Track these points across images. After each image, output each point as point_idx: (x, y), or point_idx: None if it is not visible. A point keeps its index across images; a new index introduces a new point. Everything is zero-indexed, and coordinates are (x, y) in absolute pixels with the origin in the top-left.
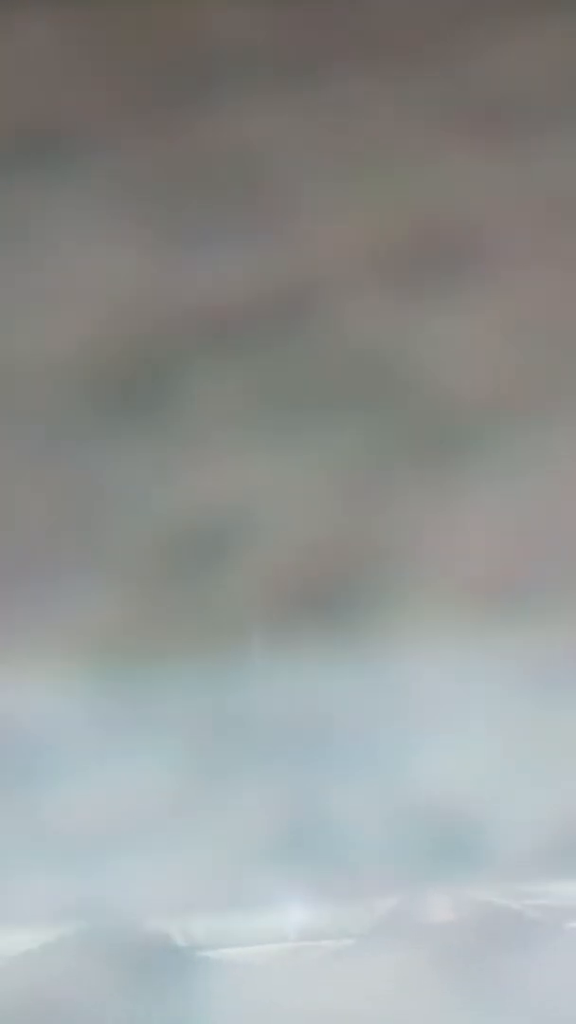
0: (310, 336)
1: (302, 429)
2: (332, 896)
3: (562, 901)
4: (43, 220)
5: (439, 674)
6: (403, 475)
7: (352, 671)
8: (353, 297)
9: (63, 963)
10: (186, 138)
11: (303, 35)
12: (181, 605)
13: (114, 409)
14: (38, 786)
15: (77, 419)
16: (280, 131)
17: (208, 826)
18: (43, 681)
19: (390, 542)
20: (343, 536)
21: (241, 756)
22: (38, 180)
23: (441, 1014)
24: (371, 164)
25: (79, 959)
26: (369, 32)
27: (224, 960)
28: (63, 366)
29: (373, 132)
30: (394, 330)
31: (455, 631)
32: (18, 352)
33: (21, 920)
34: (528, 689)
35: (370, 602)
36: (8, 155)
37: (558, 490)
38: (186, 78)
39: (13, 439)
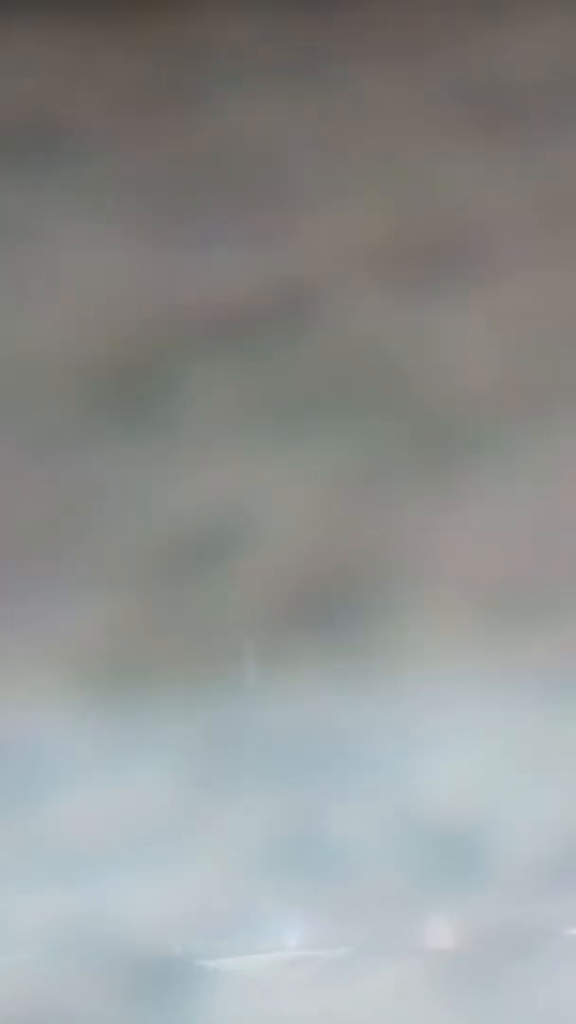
0: (310, 337)
1: (302, 431)
2: (331, 908)
3: (563, 912)
4: (43, 220)
5: (440, 682)
6: (404, 477)
7: (352, 681)
8: (353, 297)
9: (62, 974)
10: (186, 138)
11: (304, 36)
12: (179, 614)
13: (112, 411)
14: (36, 800)
15: (75, 421)
16: (280, 132)
17: (207, 839)
18: (39, 695)
19: (391, 545)
20: (343, 539)
21: (240, 768)
22: (38, 180)
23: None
24: (372, 165)
25: (78, 970)
26: (370, 34)
27: (222, 971)
28: (61, 367)
29: (374, 133)
30: (394, 330)
31: (457, 637)
32: (17, 352)
33: (20, 932)
34: (529, 700)
35: (371, 608)
36: (7, 155)
37: (560, 491)
38: (186, 78)
39: (10, 440)
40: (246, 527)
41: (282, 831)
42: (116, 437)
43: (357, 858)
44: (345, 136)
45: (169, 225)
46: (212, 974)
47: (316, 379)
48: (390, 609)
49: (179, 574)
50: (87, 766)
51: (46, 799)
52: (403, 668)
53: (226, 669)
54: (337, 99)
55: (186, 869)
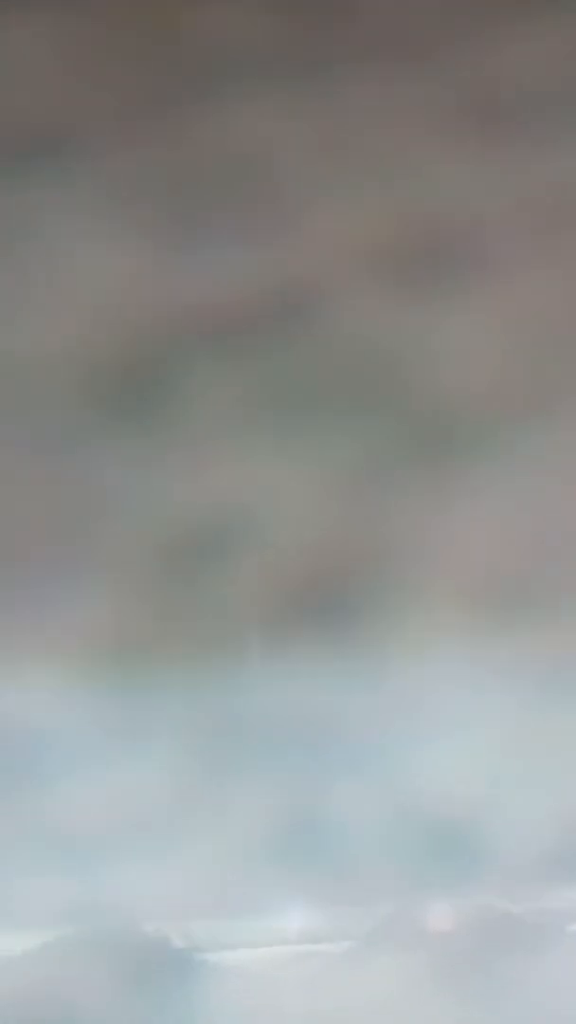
0: (310, 337)
1: (302, 430)
2: (332, 900)
3: (564, 905)
4: (42, 220)
5: (439, 677)
6: (404, 476)
7: (352, 674)
8: (353, 298)
9: (63, 965)
10: (186, 139)
11: (303, 37)
12: (180, 607)
13: (112, 411)
14: (38, 788)
15: (75, 421)
16: (280, 132)
17: (208, 829)
18: (41, 683)
19: (391, 544)
20: (343, 538)
21: (241, 758)
22: (37, 180)
23: (441, 1018)
24: (372, 165)
25: (79, 961)
26: (369, 34)
27: (224, 963)
28: (62, 367)
29: (373, 133)
30: (394, 331)
31: (456, 633)
32: (16, 353)
33: (21, 922)
34: (529, 693)
35: (370, 604)
36: (7, 155)
37: (560, 490)
38: (186, 79)
39: (10, 440)
40: (247, 524)
41: (285, 822)
42: (117, 436)
43: (360, 849)
44: (345, 136)
45: (169, 225)
46: (214, 965)
47: (316, 379)
48: (390, 604)
49: (181, 570)
50: (89, 756)
51: (48, 788)
52: (404, 661)
53: (228, 661)
54: (337, 99)
55: (188, 860)
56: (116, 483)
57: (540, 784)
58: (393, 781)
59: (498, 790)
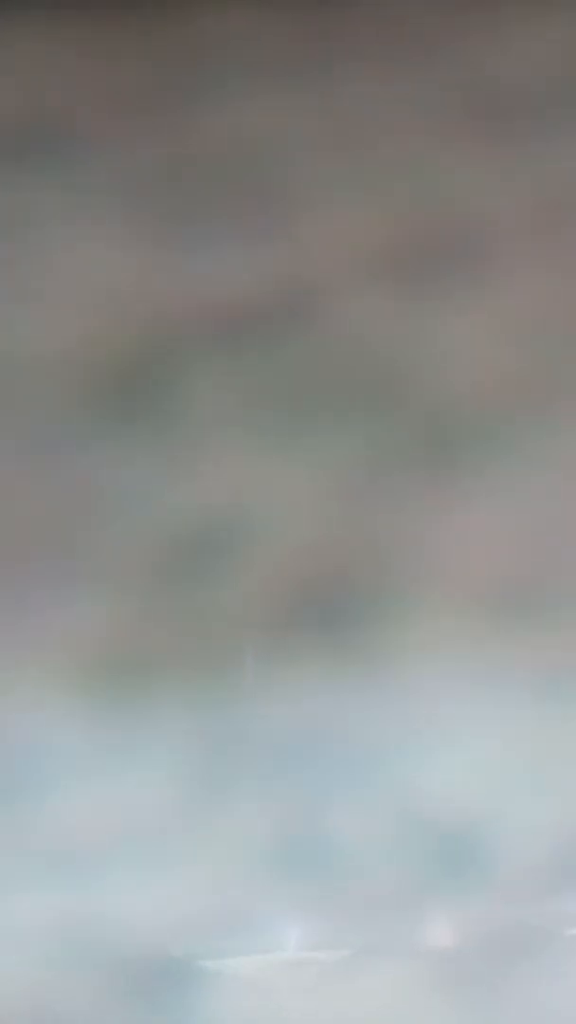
0: (311, 337)
1: (302, 431)
2: (331, 910)
3: (565, 913)
4: (43, 220)
5: (441, 682)
6: (404, 477)
7: (352, 681)
8: (354, 297)
9: (61, 975)
10: (186, 138)
11: (303, 35)
12: (179, 610)
13: (112, 411)
14: (34, 800)
15: (74, 421)
16: (281, 131)
17: (207, 839)
18: (36, 692)
19: (391, 546)
20: (343, 540)
21: (240, 768)
22: (37, 180)
23: None
24: (372, 164)
25: (76, 972)
26: (370, 33)
27: (222, 974)
28: (61, 367)
29: (374, 132)
30: (394, 331)
31: (457, 637)
32: (16, 352)
33: (17, 933)
34: (531, 699)
35: (370, 608)
36: (7, 154)
37: (561, 491)
38: (186, 78)
39: (10, 440)
40: (247, 526)
41: (283, 831)
42: (116, 436)
43: (358, 858)
44: (345, 136)
45: (169, 225)
46: (212, 975)
47: (316, 379)
48: (390, 608)
49: (179, 573)
50: (86, 766)
51: (45, 799)
52: (404, 667)
53: (227, 668)
54: (337, 99)
55: (186, 870)
56: (115, 484)
57: (541, 792)
58: (392, 788)
59: (499, 798)
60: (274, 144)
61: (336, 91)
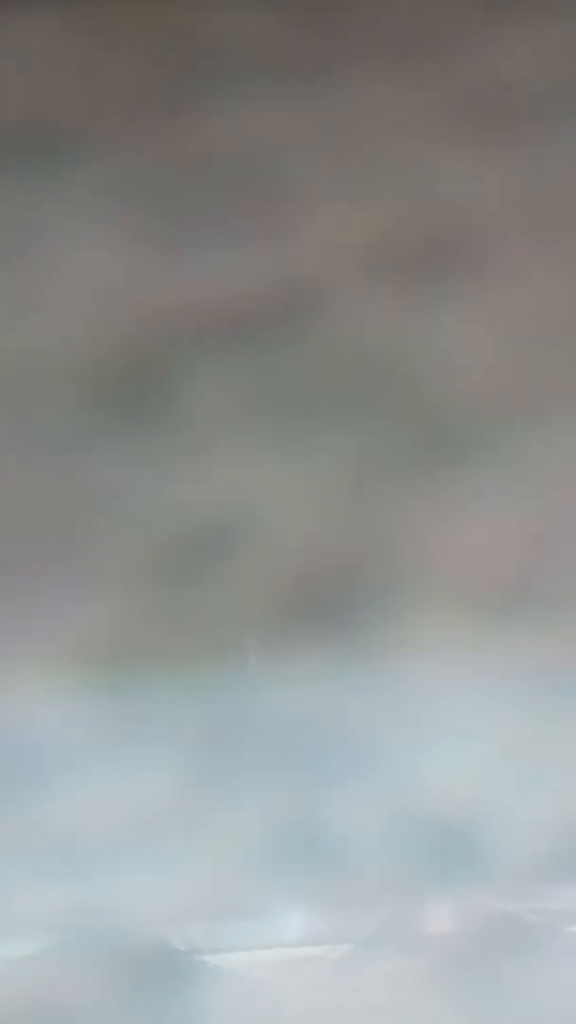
0: (310, 337)
1: (302, 431)
2: (331, 902)
3: (562, 906)
4: (43, 220)
5: (440, 678)
6: (403, 477)
7: (352, 676)
8: (354, 298)
9: (64, 968)
10: (186, 138)
11: (304, 37)
12: (180, 608)
13: (113, 411)
14: (38, 793)
15: (75, 421)
16: (281, 132)
17: (208, 832)
18: (41, 687)
19: (390, 545)
20: (343, 539)
21: (241, 762)
22: (37, 180)
23: (440, 1019)
24: (373, 165)
25: (79, 964)
26: (370, 34)
27: (223, 965)
28: (62, 367)
29: (375, 134)
30: (394, 331)
31: (455, 634)
32: (17, 353)
33: (21, 925)
34: (528, 694)
35: (369, 605)
36: (7, 155)
37: (559, 490)
38: (187, 78)
39: (11, 440)
40: (247, 525)
41: (284, 825)
42: (117, 436)
43: (358, 852)
44: (345, 136)
45: (169, 225)
46: (213, 968)
47: (316, 379)
48: (390, 606)
49: (181, 571)
50: (88, 760)
51: (47, 793)
52: (403, 663)
53: (228, 664)
54: (337, 100)
55: (187, 863)
56: (116, 484)
57: (539, 786)
58: (392, 783)
59: (497, 793)
60: (274, 144)
61: (336, 92)
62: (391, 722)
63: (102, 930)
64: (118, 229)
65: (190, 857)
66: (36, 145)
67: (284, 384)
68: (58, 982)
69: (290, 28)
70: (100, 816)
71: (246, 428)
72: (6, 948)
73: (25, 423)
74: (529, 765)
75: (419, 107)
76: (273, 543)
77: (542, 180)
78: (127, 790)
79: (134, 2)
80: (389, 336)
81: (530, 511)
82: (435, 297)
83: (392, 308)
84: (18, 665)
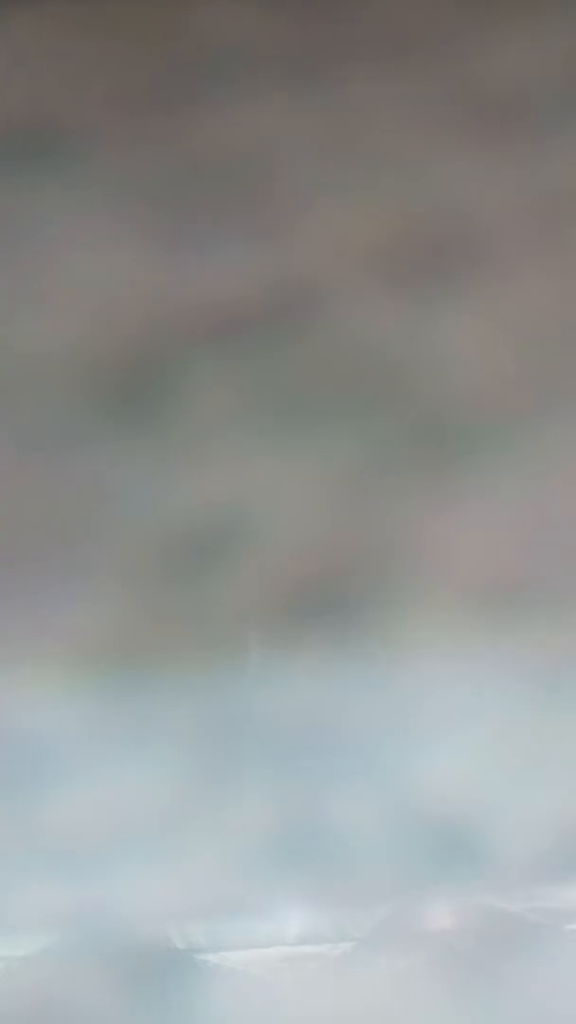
0: (310, 337)
1: (302, 430)
2: (332, 900)
3: (564, 904)
4: (42, 220)
5: (439, 677)
6: (404, 476)
7: (352, 675)
8: (353, 297)
9: (62, 967)
10: (187, 138)
11: (303, 35)
12: (180, 608)
13: (112, 411)
14: (36, 791)
15: (74, 421)
16: (281, 131)
17: (207, 830)
18: (39, 686)
19: (391, 544)
20: (343, 538)
21: (240, 760)
22: (37, 180)
23: (440, 1019)
24: (372, 164)
25: (78, 963)
26: (370, 33)
27: (223, 964)
28: (61, 367)
29: (374, 132)
30: (394, 331)
31: (456, 634)
32: (16, 352)
33: (20, 925)
34: (529, 693)
35: (370, 605)
36: (7, 154)
37: (559, 491)
38: (186, 78)
39: (9, 439)
40: (247, 524)
41: (284, 824)
42: (117, 435)
43: (359, 850)
44: (345, 136)
45: (169, 225)
46: (213, 967)
47: (316, 378)
48: (390, 604)
49: (181, 570)
50: (87, 759)
51: (46, 791)
52: (404, 662)
53: (227, 663)
54: (337, 99)
55: (187, 862)
56: (115, 483)
57: (539, 784)
58: (392, 781)
59: (497, 791)
60: (274, 144)
61: (336, 91)
62: (392, 721)
63: (102, 929)
64: (117, 228)
65: (190, 855)
66: (34, 143)
67: (284, 383)
68: (57, 981)
69: (291, 27)
70: (100, 815)
71: (246, 427)
72: (5, 947)
73: (23, 422)
74: (530, 763)
75: (419, 106)
76: (273, 542)
77: (543, 180)
78: (126, 789)
79: (135, 2)
80: (389, 336)
81: (530, 511)
82: (435, 297)
83: (392, 308)
84: (17, 664)
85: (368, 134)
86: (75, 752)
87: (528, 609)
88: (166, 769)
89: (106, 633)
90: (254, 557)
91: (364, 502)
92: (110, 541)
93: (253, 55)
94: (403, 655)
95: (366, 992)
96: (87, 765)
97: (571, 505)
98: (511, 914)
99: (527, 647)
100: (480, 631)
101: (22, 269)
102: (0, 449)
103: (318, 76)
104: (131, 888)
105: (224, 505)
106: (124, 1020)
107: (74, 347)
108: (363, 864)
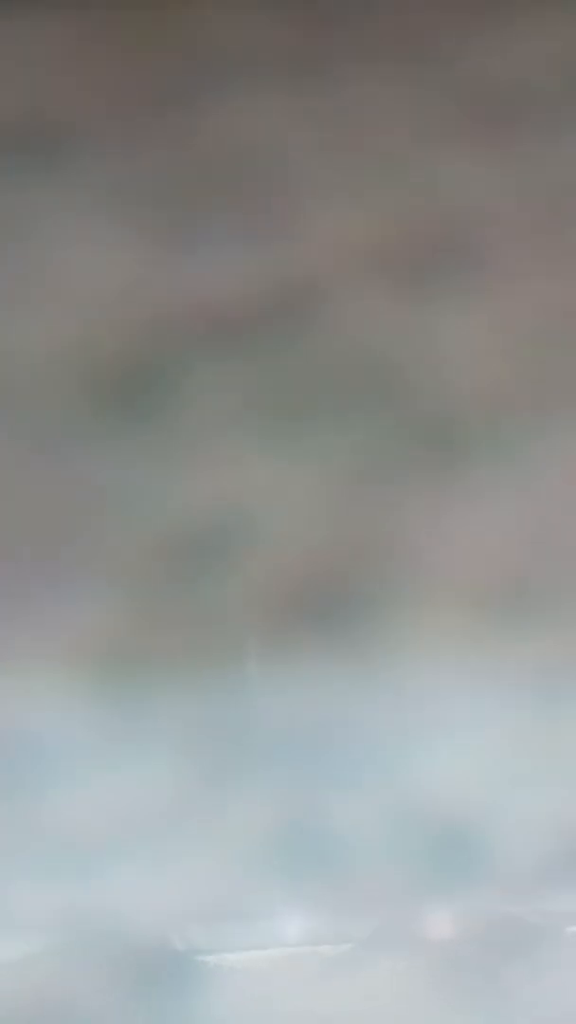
0: (310, 337)
1: (302, 430)
2: (331, 903)
3: (563, 908)
4: (43, 220)
5: (440, 679)
6: (404, 477)
7: (352, 677)
8: (354, 297)
9: (63, 968)
10: (186, 138)
11: (304, 36)
12: (180, 609)
13: (113, 411)
14: (37, 793)
15: (75, 420)
16: (281, 131)
17: (207, 832)
18: (41, 687)
19: (390, 545)
20: (344, 539)
21: (241, 761)
22: (38, 180)
23: (441, 1020)
24: (372, 165)
25: (79, 964)
26: (370, 33)
27: (223, 965)
28: (62, 367)
29: (375, 133)
30: (394, 330)
31: (456, 634)
32: (17, 352)
33: (21, 925)
34: (529, 696)
35: (370, 606)
36: (7, 155)
37: (559, 491)
38: (187, 78)
39: (11, 440)
40: (247, 525)
41: (284, 825)
42: (118, 435)
43: (359, 852)
44: (345, 136)
45: (169, 225)
46: (213, 968)
47: (316, 379)
48: (390, 605)
49: (181, 570)
50: (88, 759)
51: (47, 792)
52: (404, 663)
53: (228, 664)
54: (337, 99)
55: (187, 863)
56: (116, 483)
57: (540, 788)
58: (393, 784)
59: (498, 793)
60: (274, 144)
61: (336, 91)
62: (392, 723)
63: (102, 931)
64: (117, 228)
65: (190, 858)
66: (34, 144)
67: (284, 384)
68: (57, 982)
69: (291, 27)
70: (100, 816)
71: (246, 428)
72: (5, 948)
73: (24, 423)
74: (531, 766)
75: (419, 106)
76: (273, 543)
77: (543, 179)
78: (127, 790)
79: (135, 3)
80: (389, 336)
81: (530, 511)
82: (435, 297)
83: (392, 308)
84: (18, 665)
85: (369, 135)
86: (75, 754)
87: (529, 610)
88: (166, 771)
89: (106, 634)
90: (254, 557)
91: (364, 502)
92: (110, 542)
93: (254, 56)
94: (403, 656)
95: (365, 994)
96: (87, 767)
97: (570, 505)
98: (512, 917)
99: (527, 648)
100: (480, 631)
101: (22, 269)
102: (1, 448)
103: (319, 77)
104: (131, 890)
105: (224, 505)
106: (124, 1021)
107: (74, 347)
108: (363, 867)
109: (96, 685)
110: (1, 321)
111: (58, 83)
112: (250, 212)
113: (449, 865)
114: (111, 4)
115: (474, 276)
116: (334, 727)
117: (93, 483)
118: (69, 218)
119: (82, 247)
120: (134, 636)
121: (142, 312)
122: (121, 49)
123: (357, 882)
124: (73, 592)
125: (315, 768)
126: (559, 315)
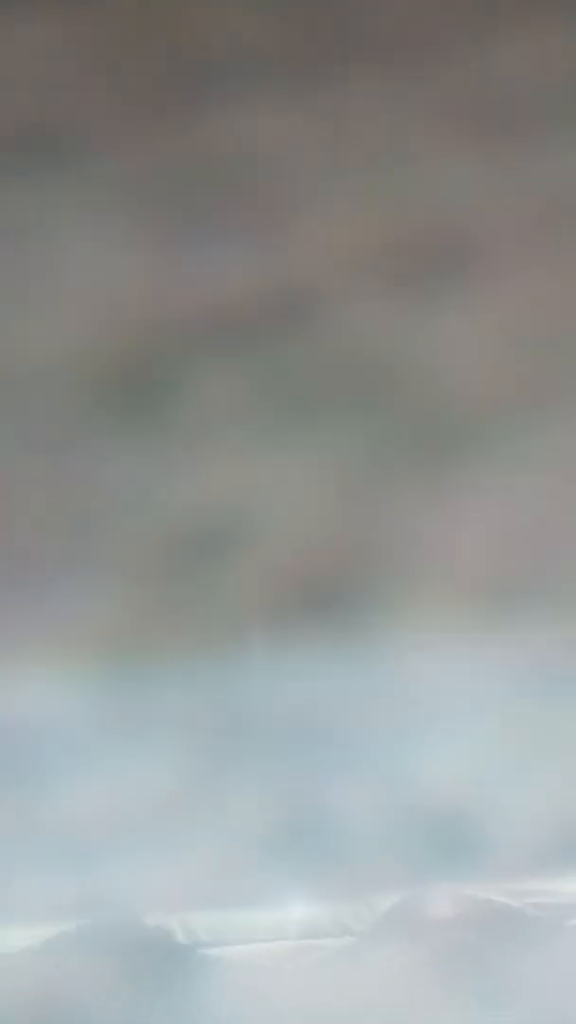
0: (310, 336)
1: (302, 429)
2: (333, 893)
3: (562, 898)
4: (44, 221)
5: (438, 672)
6: (403, 475)
7: (352, 669)
8: (353, 298)
9: (65, 959)
10: (186, 139)
11: (303, 37)
12: (181, 604)
13: (114, 409)
14: (40, 784)
15: (77, 419)
16: (280, 132)
17: (209, 823)
18: (43, 680)
19: (390, 542)
20: (343, 536)
21: (242, 753)
22: (38, 181)
23: (441, 1010)
24: (371, 165)
25: (81, 955)
26: (369, 34)
27: (225, 957)
28: (63, 366)
29: (373, 133)
30: (394, 330)
31: (454, 630)
32: (18, 352)
33: (23, 917)
34: (528, 688)
35: (370, 601)
36: (8, 156)
37: (558, 489)
38: (187, 79)
39: (13, 439)
40: (247, 522)
41: (285, 817)
42: (119, 434)
43: (360, 843)
44: (345, 137)
45: (170, 225)
46: (215, 959)
47: (316, 378)
48: (389, 600)
49: (182, 567)
50: (90, 751)
51: (49, 784)
52: (403, 656)
53: (229, 657)
54: (337, 101)
55: (189, 854)
56: (117, 482)
57: (539, 778)
58: (392, 775)
59: (497, 785)
60: (274, 145)
61: (336, 93)
62: (392, 715)
63: (103, 922)
64: (118, 229)
65: (192, 848)
66: (35, 145)
67: (284, 383)
68: (59, 973)
69: (291, 28)
70: (102, 808)
71: (246, 426)
72: (7, 939)
73: (25, 422)
74: (529, 757)
75: (419, 108)
76: (273, 540)
77: (542, 180)
78: (128, 782)
79: (135, 3)
80: (389, 336)
81: (530, 510)
82: (435, 297)
83: (392, 308)
84: (21, 658)
85: (368, 136)
86: (78, 746)
87: (527, 606)
88: (168, 763)
89: (108, 630)
90: (254, 555)
91: (363, 501)
92: (112, 539)
93: (253, 57)
94: (402, 650)
95: (368, 983)
96: (90, 759)
97: (570, 504)
98: (512, 907)
99: (525, 643)
100: (478, 626)
101: (24, 270)
102: (3, 448)
103: (318, 78)
104: (133, 881)
105: (225, 504)
106: (125, 1012)
107: (76, 347)
108: (364, 857)
109: (99, 678)
110: (3, 320)
111: (60, 85)
112: (251, 213)
113: (450, 856)
114: (112, 5)
115: (473, 277)
116: (335, 719)
117: (95, 481)
118: (70, 219)
119: (83, 248)
120: (136, 631)
121: (143, 312)
122: (122, 50)
123: (359, 873)
124: (75, 588)
125: (316, 760)
126: (556, 316)
